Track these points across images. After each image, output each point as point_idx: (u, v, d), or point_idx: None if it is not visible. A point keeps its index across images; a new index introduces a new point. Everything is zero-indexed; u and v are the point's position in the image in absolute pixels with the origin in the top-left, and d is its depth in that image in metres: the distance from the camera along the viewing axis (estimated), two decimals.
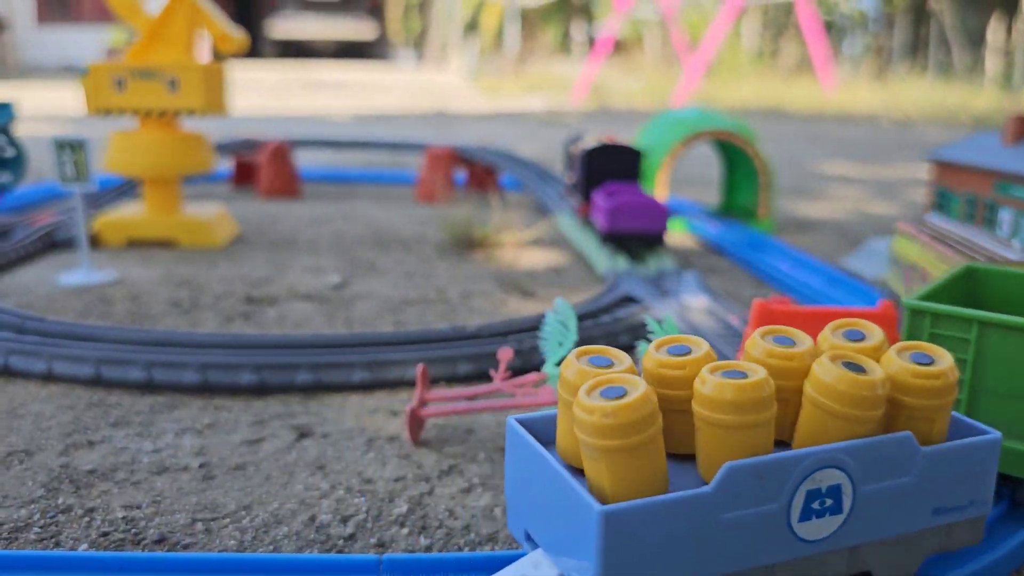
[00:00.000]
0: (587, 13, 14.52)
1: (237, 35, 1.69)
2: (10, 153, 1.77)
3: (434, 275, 1.53)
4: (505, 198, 2.33)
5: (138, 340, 1.02)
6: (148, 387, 0.96)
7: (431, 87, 9.68)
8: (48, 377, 0.97)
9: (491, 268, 1.60)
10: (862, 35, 11.95)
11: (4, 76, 9.40)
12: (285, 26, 12.15)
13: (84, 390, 0.96)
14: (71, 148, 1.38)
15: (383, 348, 1.02)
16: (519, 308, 1.34)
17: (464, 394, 0.87)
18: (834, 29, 11.77)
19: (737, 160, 2.08)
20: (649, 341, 0.87)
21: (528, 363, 1.04)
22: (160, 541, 0.66)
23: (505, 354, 0.89)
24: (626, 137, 2.14)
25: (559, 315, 0.89)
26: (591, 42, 13.87)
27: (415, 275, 1.53)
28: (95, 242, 1.67)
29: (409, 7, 13.15)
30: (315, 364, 0.97)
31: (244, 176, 2.43)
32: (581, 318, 1.16)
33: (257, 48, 13.36)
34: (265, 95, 8.02)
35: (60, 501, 0.71)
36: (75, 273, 1.43)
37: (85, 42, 10.70)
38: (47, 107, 5.24)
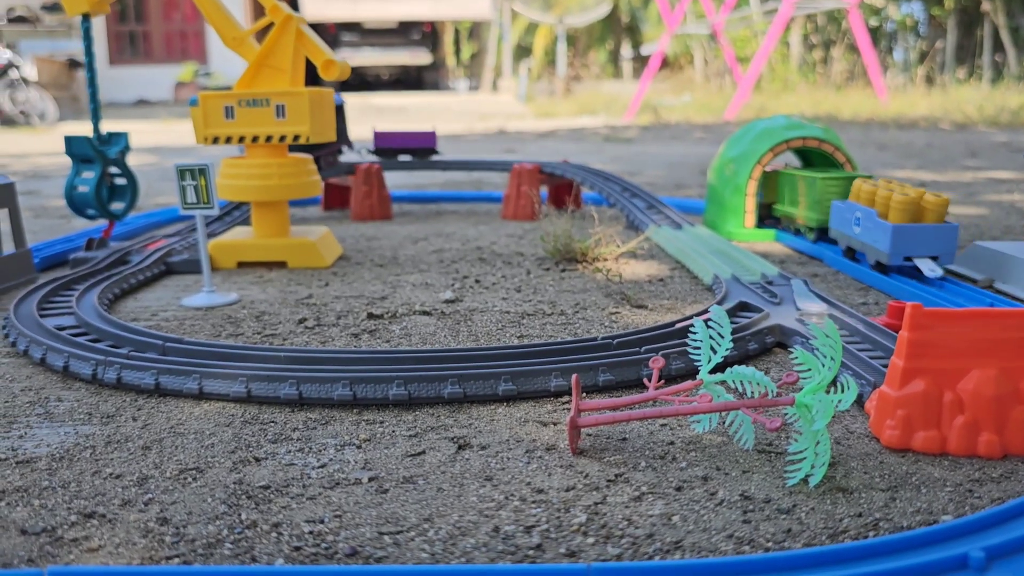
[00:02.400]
0: (634, 32, 14.53)
1: (340, 61, 1.71)
2: (123, 181, 1.83)
3: (542, 289, 1.53)
4: (589, 213, 2.33)
5: (281, 358, 1.03)
6: (298, 403, 0.97)
7: (487, 109, 9.75)
8: (199, 396, 0.99)
9: (596, 281, 1.59)
10: (912, 41, 11.76)
11: (80, 113, 9.70)
12: (343, 56, 12.34)
13: (236, 407, 0.97)
14: (193, 174, 1.41)
15: (523, 360, 1.02)
16: (633, 319, 1.33)
17: (620, 403, 0.87)
18: (883, 36, 11.60)
19: (820, 167, 2.05)
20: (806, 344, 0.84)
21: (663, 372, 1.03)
22: (353, 555, 0.66)
23: (657, 363, 0.88)
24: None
25: (714, 323, 0.88)
26: (638, 61, 13.90)
27: (524, 289, 1.53)
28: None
29: (461, 32, 13.28)
30: (461, 376, 0.97)
31: (335, 199, 2.46)
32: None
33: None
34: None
35: (244, 517, 0.72)
36: (197, 295, 1.45)
37: (155, 79, 11.01)
38: None
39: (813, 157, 2.05)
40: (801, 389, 0.90)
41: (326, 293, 1.51)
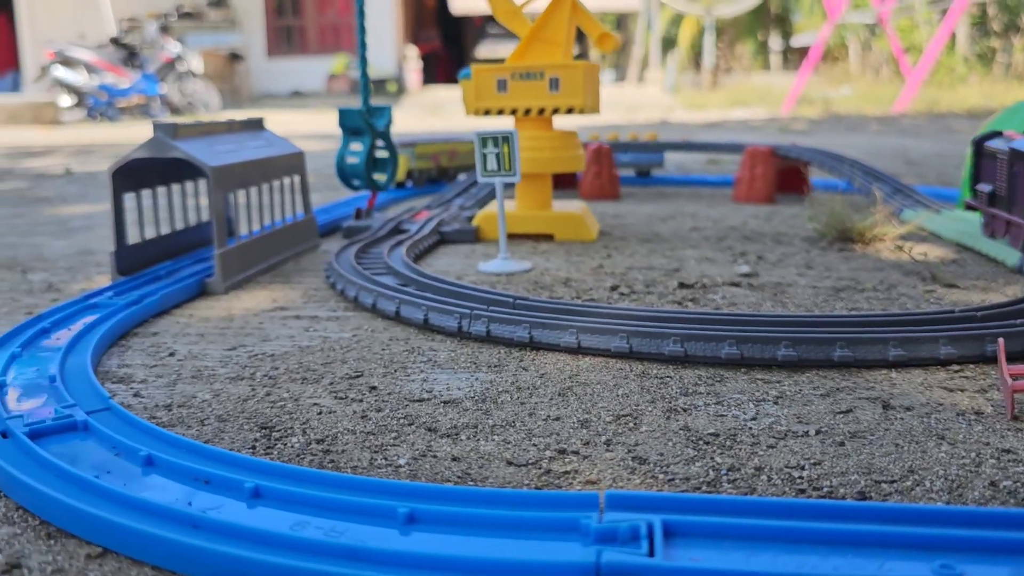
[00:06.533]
0: (783, 23, 14.16)
1: (616, 34, 1.71)
2: (385, 154, 1.87)
3: (834, 267, 1.49)
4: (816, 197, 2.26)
5: (646, 316, 1.03)
6: (682, 360, 0.96)
7: (634, 101, 9.66)
8: (577, 350, 1.00)
9: (885, 260, 1.54)
10: None
11: (240, 103, 10.14)
12: (489, 47, 12.49)
13: (619, 363, 0.97)
14: (496, 141, 1.44)
15: (911, 327, 0.98)
16: (953, 297, 1.28)
17: None
18: None
19: None
20: None
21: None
22: (864, 498, 0.65)
23: None
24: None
25: None
26: (791, 53, 13.55)
27: (815, 266, 1.49)
28: (476, 236, 1.73)
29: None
30: (849, 340, 0.94)
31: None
32: None
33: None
34: None
35: (719, 460, 0.72)
36: (494, 262, 1.48)
37: (309, 71, 11.39)
38: (279, 130, 5.58)
39: None
40: None
41: (614, 264, 1.51)
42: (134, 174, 1.39)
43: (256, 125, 1.61)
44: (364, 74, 1.84)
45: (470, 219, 1.84)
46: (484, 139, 1.45)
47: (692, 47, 12.42)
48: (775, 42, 13.48)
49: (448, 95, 10.38)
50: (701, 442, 0.75)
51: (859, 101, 8.33)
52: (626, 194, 2.46)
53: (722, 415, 0.82)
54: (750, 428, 0.78)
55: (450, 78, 13.28)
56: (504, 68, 1.71)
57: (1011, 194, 1.45)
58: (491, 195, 2.16)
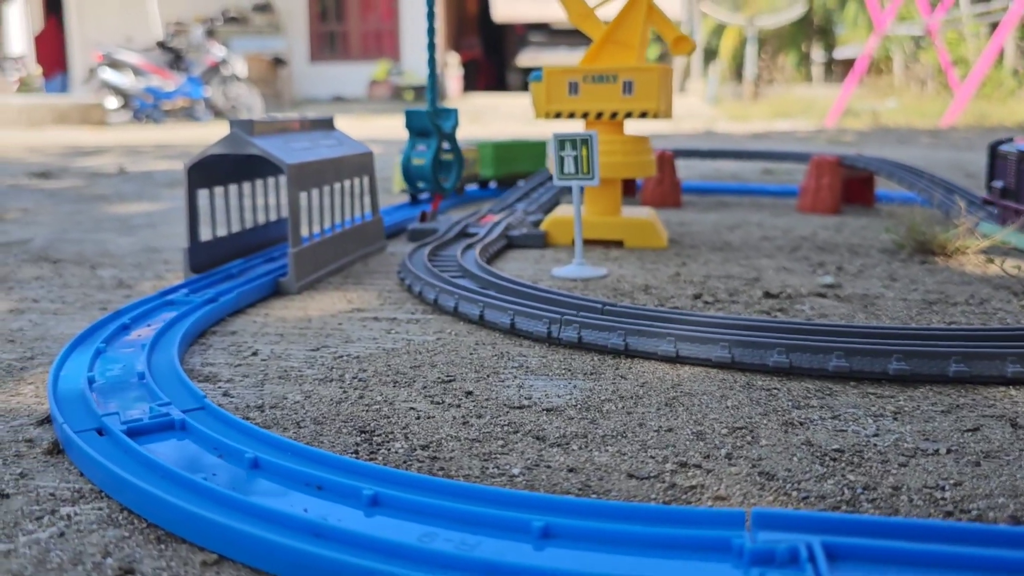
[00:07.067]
0: (826, 35, 14.02)
1: (691, 38, 1.67)
2: (450, 157, 1.85)
3: (919, 279, 1.44)
4: (882, 208, 2.21)
5: (747, 325, 0.99)
6: (787, 372, 0.92)
7: (678, 111, 9.59)
8: (676, 359, 0.96)
9: (970, 274, 1.48)
10: None
11: (282, 108, 10.22)
12: (531, 56, 12.50)
13: (719, 372, 0.94)
14: (574, 144, 1.40)
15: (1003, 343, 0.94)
16: None
17: None
18: None
19: None
20: None
21: None
22: (1017, 522, 0.60)
23: None
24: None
25: None
26: (835, 65, 13.41)
27: (899, 278, 1.44)
28: (545, 241, 1.70)
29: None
30: (965, 354, 0.90)
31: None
32: None
33: (504, 80, 13.83)
34: (518, 120, 8.22)
35: (852, 477, 0.68)
36: (568, 267, 1.44)
37: (351, 76, 11.45)
38: None
39: None
40: None
41: (691, 272, 1.47)
42: (207, 170, 1.38)
43: (327, 124, 1.59)
44: (432, 75, 1.82)
45: (536, 223, 1.80)
46: (562, 141, 1.42)
47: (734, 58, 12.32)
48: (817, 54, 13.35)
49: (488, 102, 10.38)
50: (827, 458, 0.71)
51: (905, 114, 8.20)
52: (686, 202, 2.42)
53: (841, 430, 0.78)
54: (875, 444, 0.74)
55: (490, 85, 13.29)
56: (576, 70, 1.68)
57: (1019, 188, 1.73)
58: (555, 200, 2.13)
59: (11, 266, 1.53)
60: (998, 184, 1.80)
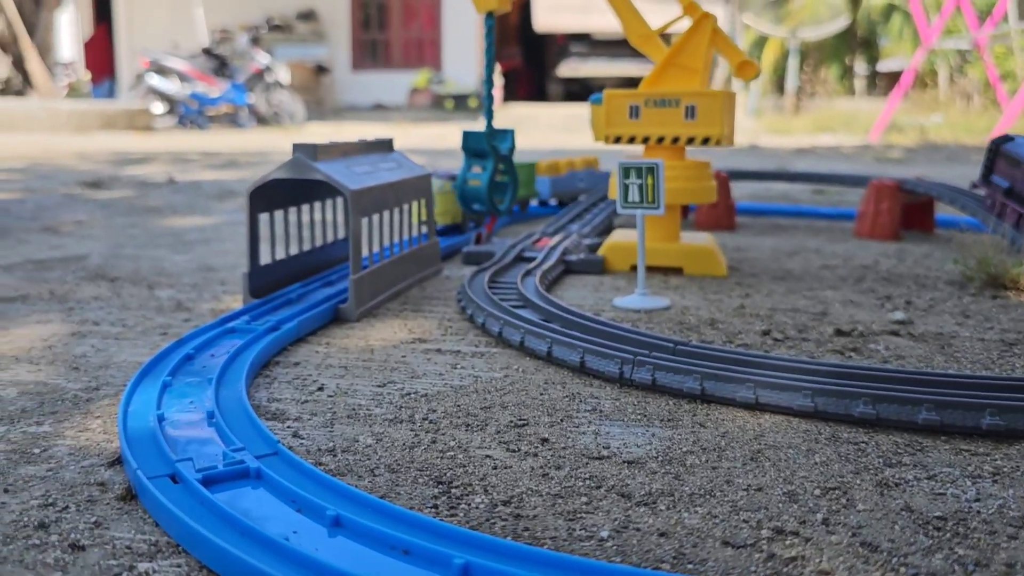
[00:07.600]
0: (870, 48, 13.83)
1: (756, 62, 1.64)
2: (505, 178, 1.83)
3: (993, 317, 1.39)
4: (942, 235, 2.15)
5: (829, 372, 0.96)
6: (873, 423, 0.89)
7: None
8: (755, 406, 0.93)
9: None
10: None
11: (323, 115, 10.28)
12: (572, 66, 12.48)
13: (801, 422, 0.90)
14: (639, 172, 1.38)
15: None
16: None
17: None
18: None
19: None
20: None
21: None
22: None
23: None
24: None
25: None
26: (881, 79, 13.23)
27: (972, 315, 1.40)
28: (603, 267, 1.67)
29: None
30: None
31: None
32: None
33: (544, 90, 13.81)
34: (558, 130, 8.20)
35: (960, 552, 0.64)
36: (630, 297, 1.41)
37: (392, 85, 11.51)
38: None
39: None
40: None
41: (755, 304, 1.43)
42: (268, 192, 1.37)
43: (386, 146, 1.58)
44: (488, 95, 1.80)
45: (593, 248, 1.78)
46: (627, 169, 1.39)
47: (775, 70, 12.22)
48: (860, 66, 13.19)
49: (528, 112, 10.37)
50: (930, 527, 0.68)
51: (952, 130, 8.06)
52: (740, 224, 2.38)
53: (940, 493, 0.74)
54: (978, 512, 0.71)
55: (531, 95, 13.29)
56: (638, 94, 1.65)
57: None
58: (609, 223, 2.10)
59: (70, 284, 1.53)
60: (1003, 183, 1.88)
